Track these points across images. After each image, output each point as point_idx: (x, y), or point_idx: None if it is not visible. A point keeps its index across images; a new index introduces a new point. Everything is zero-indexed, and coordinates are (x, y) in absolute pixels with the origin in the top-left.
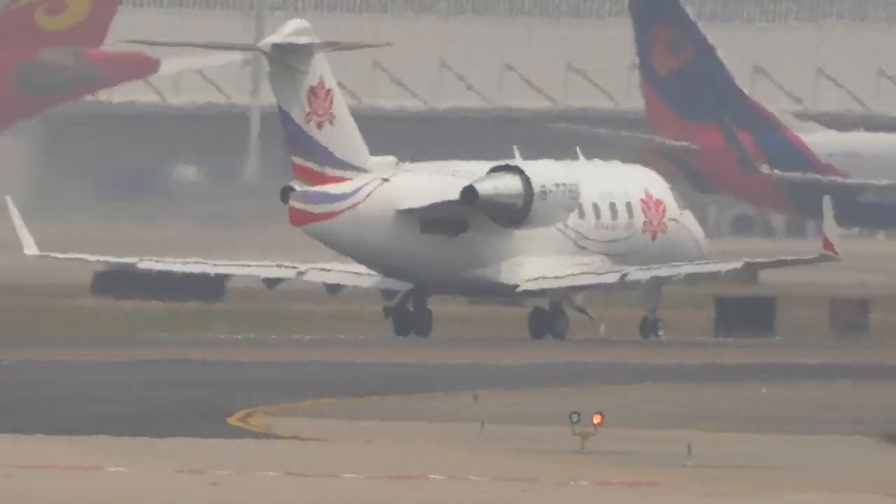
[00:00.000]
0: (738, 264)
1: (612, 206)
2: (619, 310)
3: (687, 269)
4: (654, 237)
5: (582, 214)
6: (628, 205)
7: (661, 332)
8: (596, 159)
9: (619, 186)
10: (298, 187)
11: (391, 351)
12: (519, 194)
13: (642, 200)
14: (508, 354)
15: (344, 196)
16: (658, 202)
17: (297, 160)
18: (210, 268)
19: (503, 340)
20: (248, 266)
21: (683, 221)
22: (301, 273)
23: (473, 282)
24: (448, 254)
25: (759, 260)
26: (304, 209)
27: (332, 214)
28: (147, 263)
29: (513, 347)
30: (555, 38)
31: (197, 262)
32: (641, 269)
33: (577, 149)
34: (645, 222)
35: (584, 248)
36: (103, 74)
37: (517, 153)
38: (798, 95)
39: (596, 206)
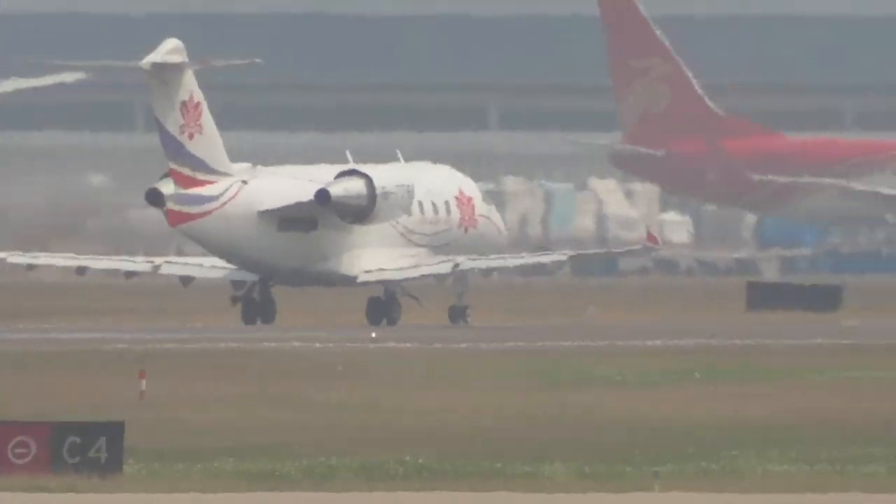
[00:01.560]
0: (563, 256)
1: (433, 203)
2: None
3: (516, 260)
4: (466, 231)
5: (409, 211)
6: (446, 202)
7: (469, 318)
8: (414, 161)
9: (437, 185)
10: (164, 190)
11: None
12: (364, 195)
13: (457, 198)
14: None
15: (212, 198)
16: (469, 199)
17: (173, 166)
18: (74, 261)
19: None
20: (109, 259)
21: (490, 216)
22: (156, 266)
23: (320, 273)
24: (300, 249)
25: (586, 252)
26: (180, 210)
27: (203, 214)
28: (15, 258)
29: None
30: None
31: (65, 257)
32: (472, 258)
33: (398, 151)
34: (460, 218)
35: (410, 241)
36: None
37: (350, 157)
38: None
39: (420, 204)
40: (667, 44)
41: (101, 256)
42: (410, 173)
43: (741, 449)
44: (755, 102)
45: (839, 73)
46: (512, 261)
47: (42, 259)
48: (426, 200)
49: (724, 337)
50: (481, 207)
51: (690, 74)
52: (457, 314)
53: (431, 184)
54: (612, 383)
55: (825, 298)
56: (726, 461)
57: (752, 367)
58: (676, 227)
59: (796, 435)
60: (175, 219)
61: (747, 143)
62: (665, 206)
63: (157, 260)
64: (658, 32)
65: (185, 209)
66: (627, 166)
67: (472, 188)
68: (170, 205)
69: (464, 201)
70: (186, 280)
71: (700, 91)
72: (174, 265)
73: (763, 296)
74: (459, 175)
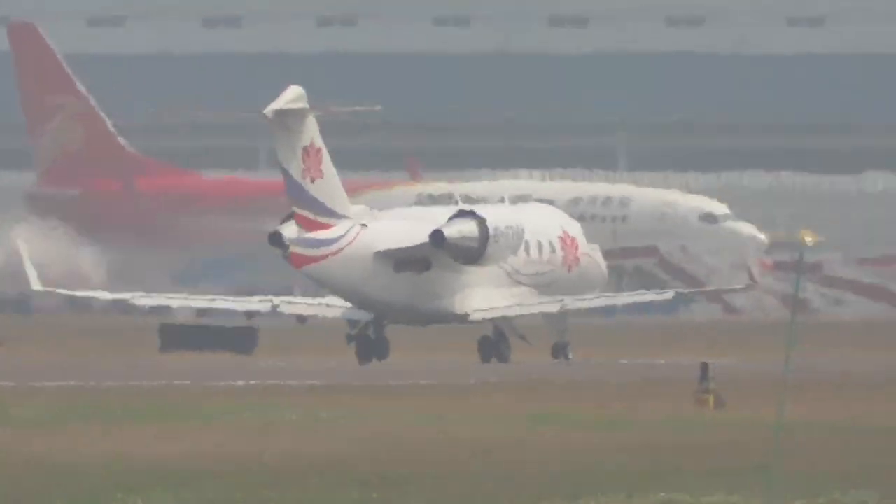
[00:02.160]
0: (669, 294)
1: (539, 243)
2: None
3: (622, 298)
4: (570, 269)
5: (517, 252)
6: (550, 242)
7: (570, 355)
8: (529, 202)
9: (542, 225)
10: (285, 233)
11: None
12: (477, 237)
13: (560, 238)
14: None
15: (332, 241)
16: (573, 239)
17: (296, 209)
18: (196, 302)
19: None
20: (229, 300)
21: (592, 255)
22: (275, 306)
23: (433, 312)
24: (414, 288)
25: (690, 290)
26: (302, 253)
27: (323, 257)
28: (142, 300)
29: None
30: None
31: (185, 298)
32: (578, 299)
33: (504, 195)
34: (563, 257)
35: (516, 280)
36: None
37: (458, 199)
38: None
39: (527, 244)
40: (78, 82)
41: (221, 297)
42: (518, 213)
43: (159, 490)
44: (172, 142)
45: None
46: (617, 299)
47: (163, 300)
48: (532, 240)
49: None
50: (584, 246)
51: (103, 114)
52: (559, 350)
53: (537, 223)
54: (20, 423)
55: (240, 340)
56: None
57: (166, 408)
58: (94, 266)
59: (212, 475)
60: (298, 261)
61: (161, 182)
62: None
63: (276, 300)
64: (69, 70)
65: (308, 252)
66: (43, 206)
67: (575, 228)
68: (293, 248)
69: (567, 241)
70: (303, 319)
71: (113, 130)
72: (292, 305)
73: (177, 337)
74: (563, 214)
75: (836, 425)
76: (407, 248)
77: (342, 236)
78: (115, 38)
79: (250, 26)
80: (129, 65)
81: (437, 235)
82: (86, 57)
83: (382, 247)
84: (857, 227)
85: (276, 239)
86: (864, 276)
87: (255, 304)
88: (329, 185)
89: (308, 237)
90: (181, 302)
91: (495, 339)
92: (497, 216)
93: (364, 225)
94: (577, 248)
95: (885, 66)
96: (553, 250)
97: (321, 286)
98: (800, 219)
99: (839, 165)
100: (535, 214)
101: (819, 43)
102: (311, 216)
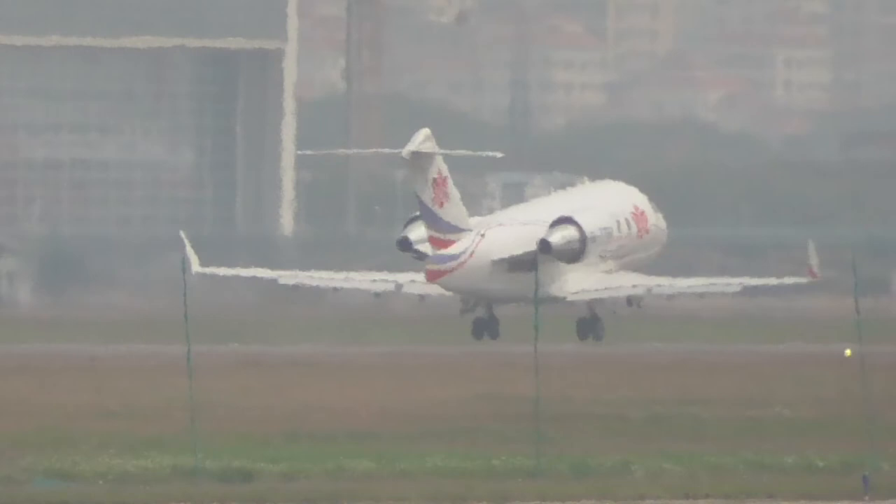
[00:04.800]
0: (736, 287)
1: (618, 222)
2: None
3: (695, 287)
4: (641, 238)
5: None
6: (626, 219)
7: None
8: (606, 179)
9: (619, 205)
10: (411, 236)
11: None
12: (577, 240)
13: (633, 213)
14: None
15: (458, 256)
16: (642, 212)
17: (429, 231)
18: (331, 282)
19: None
20: (359, 280)
21: (659, 224)
22: (400, 286)
23: (538, 297)
24: (524, 283)
25: (756, 282)
26: (436, 269)
27: (451, 270)
28: (286, 279)
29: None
30: None
31: (324, 278)
32: (659, 285)
33: (585, 178)
34: (638, 230)
35: (603, 257)
36: None
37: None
38: None
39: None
40: None
41: (352, 275)
42: (600, 196)
43: None
44: None
45: None
46: (688, 283)
47: (305, 279)
48: (612, 221)
49: None
50: (652, 217)
51: None
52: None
53: (614, 204)
54: None
55: None
56: None
57: None
58: None
59: None
60: (432, 276)
61: None
62: None
63: (401, 279)
64: None
65: (439, 267)
66: None
67: (643, 201)
68: (428, 266)
69: (638, 215)
70: (424, 298)
71: None
72: (415, 284)
73: None
74: (633, 190)
75: None
76: (518, 256)
77: (465, 251)
78: None
79: None
80: None
81: (544, 244)
82: None
83: (498, 255)
84: None
85: (403, 243)
86: None
87: (382, 284)
88: (454, 206)
89: (439, 255)
90: (317, 281)
91: (590, 319)
92: (592, 220)
93: (482, 235)
94: (646, 220)
95: None
96: (630, 226)
97: (453, 293)
98: None
99: None
100: (613, 194)
101: None
102: (440, 236)
